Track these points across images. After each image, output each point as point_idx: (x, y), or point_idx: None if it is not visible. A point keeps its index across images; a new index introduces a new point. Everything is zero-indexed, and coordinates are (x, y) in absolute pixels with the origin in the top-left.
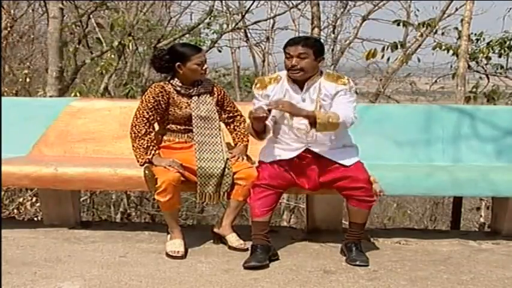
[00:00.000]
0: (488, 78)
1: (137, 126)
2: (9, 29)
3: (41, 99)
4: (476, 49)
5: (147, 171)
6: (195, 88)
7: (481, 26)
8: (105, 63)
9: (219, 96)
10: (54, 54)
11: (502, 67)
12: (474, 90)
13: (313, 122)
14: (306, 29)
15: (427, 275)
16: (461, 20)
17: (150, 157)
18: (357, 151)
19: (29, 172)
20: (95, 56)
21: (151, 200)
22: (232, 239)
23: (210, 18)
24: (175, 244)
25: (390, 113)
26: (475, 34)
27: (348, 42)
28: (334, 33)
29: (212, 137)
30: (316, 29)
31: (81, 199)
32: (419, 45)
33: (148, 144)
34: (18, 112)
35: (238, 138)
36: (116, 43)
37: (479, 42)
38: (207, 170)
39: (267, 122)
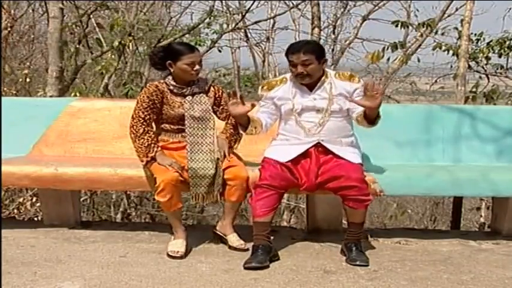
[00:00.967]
0: (488, 78)
1: (135, 127)
2: (9, 29)
3: (41, 99)
4: (476, 49)
5: (147, 172)
6: (189, 88)
7: (481, 26)
8: (106, 63)
9: (216, 96)
10: (54, 54)
11: (502, 67)
12: (474, 90)
13: (371, 115)
14: (306, 29)
15: (427, 275)
16: (462, 20)
17: (153, 155)
18: (361, 153)
19: (29, 172)
20: (95, 56)
21: (152, 200)
22: (233, 239)
23: (210, 18)
24: (177, 244)
25: (390, 113)
26: (475, 34)
27: (348, 42)
28: (334, 33)
29: (205, 137)
30: (316, 29)
31: (81, 199)
32: (420, 45)
33: (149, 143)
34: (18, 112)
35: (224, 133)
36: (116, 43)
37: (479, 42)
38: (198, 170)
39: (257, 117)
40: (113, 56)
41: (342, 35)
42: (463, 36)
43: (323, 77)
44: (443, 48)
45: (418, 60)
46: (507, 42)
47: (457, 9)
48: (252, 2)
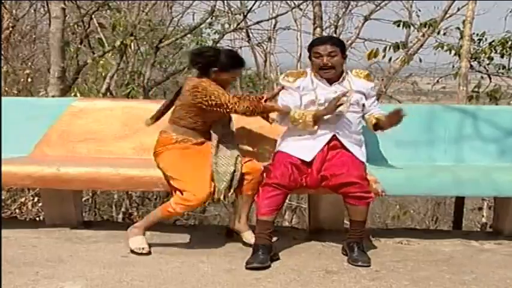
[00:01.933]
0: (490, 78)
1: (231, 100)
2: (11, 29)
3: (43, 99)
4: (478, 49)
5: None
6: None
7: (483, 26)
8: (104, 62)
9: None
10: (56, 54)
11: (504, 67)
12: (476, 90)
13: (382, 128)
14: (308, 29)
15: (429, 275)
16: (463, 20)
17: (263, 101)
18: (365, 153)
19: (31, 172)
20: (97, 56)
21: (153, 199)
22: (249, 236)
23: (211, 18)
24: (139, 240)
25: None
26: (477, 34)
27: (349, 42)
28: (336, 33)
29: (226, 136)
30: (318, 29)
31: (83, 199)
32: (421, 45)
33: (251, 97)
34: (20, 112)
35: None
36: (117, 43)
37: (481, 42)
38: (222, 167)
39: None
40: (112, 56)
41: (344, 35)
42: (465, 36)
43: (343, 73)
44: (445, 48)
45: (420, 60)
46: (509, 42)
47: (459, 9)
48: (253, 2)
